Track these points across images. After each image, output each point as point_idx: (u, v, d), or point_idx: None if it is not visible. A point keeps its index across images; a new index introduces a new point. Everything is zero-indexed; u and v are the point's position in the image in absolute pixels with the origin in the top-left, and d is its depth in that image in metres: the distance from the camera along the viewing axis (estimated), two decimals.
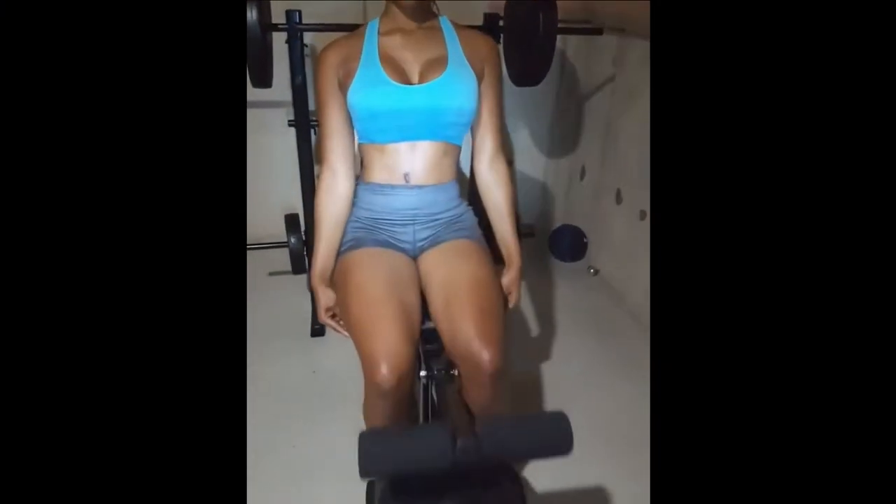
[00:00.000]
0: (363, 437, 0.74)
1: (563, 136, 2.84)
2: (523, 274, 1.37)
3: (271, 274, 2.48)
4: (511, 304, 1.36)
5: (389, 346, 1.08)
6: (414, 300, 1.21)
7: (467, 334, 1.13)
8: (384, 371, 1.06)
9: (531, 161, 2.94)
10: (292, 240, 2.07)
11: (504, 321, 1.22)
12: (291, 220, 2.10)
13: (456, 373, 1.18)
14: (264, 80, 1.73)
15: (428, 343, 1.22)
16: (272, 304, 2.31)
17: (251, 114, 2.51)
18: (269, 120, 2.53)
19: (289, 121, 1.85)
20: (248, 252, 2.18)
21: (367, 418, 1.26)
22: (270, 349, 2.02)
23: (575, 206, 2.85)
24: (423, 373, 1.20)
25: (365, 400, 1.22)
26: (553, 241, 2.81)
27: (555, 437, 0.78)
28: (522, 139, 2.90)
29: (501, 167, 1.39)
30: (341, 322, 1.35)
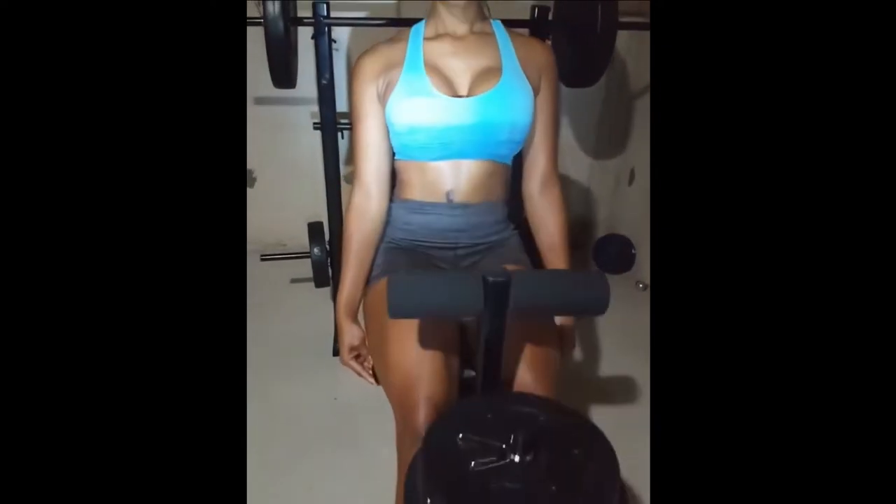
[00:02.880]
0: (392, 280, 0.72)
1: (611, 135, 2.61)
2: None
3: (293, 281, 2.32)
4: (567, 352, 1.18)
5: (433, 394, 0.96)
6: (456, 338, 1.06)
7: (521, 385, 1.00)
8: (423, 421, 0.94)
9: (573, 162, 2.71)
10: (315, 250, 1.90)
11: (558, 369, 1.06)
12: (315, 230, 1.94)
13: None
14: (288, 80, 1.55)
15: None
16: (293, 315, 2.15)
17: (272, 111, 2.36)
18: (293, 118, 2.35)
19: (314, 123, 1.67)
20: (268, 261, 2.03)
21: (401, 461, 1.12)
22: (288, 369, 1.86)
23: (622, 213, 2.63)
24: None
25: (399, 440, 1.08)
26: (597, 251, 2.60)
27: (590, 295, 0.76)
28: (564, 137, 2.66)
29: (556, 191, 1.21)
30: (366, 364, 1.20)
